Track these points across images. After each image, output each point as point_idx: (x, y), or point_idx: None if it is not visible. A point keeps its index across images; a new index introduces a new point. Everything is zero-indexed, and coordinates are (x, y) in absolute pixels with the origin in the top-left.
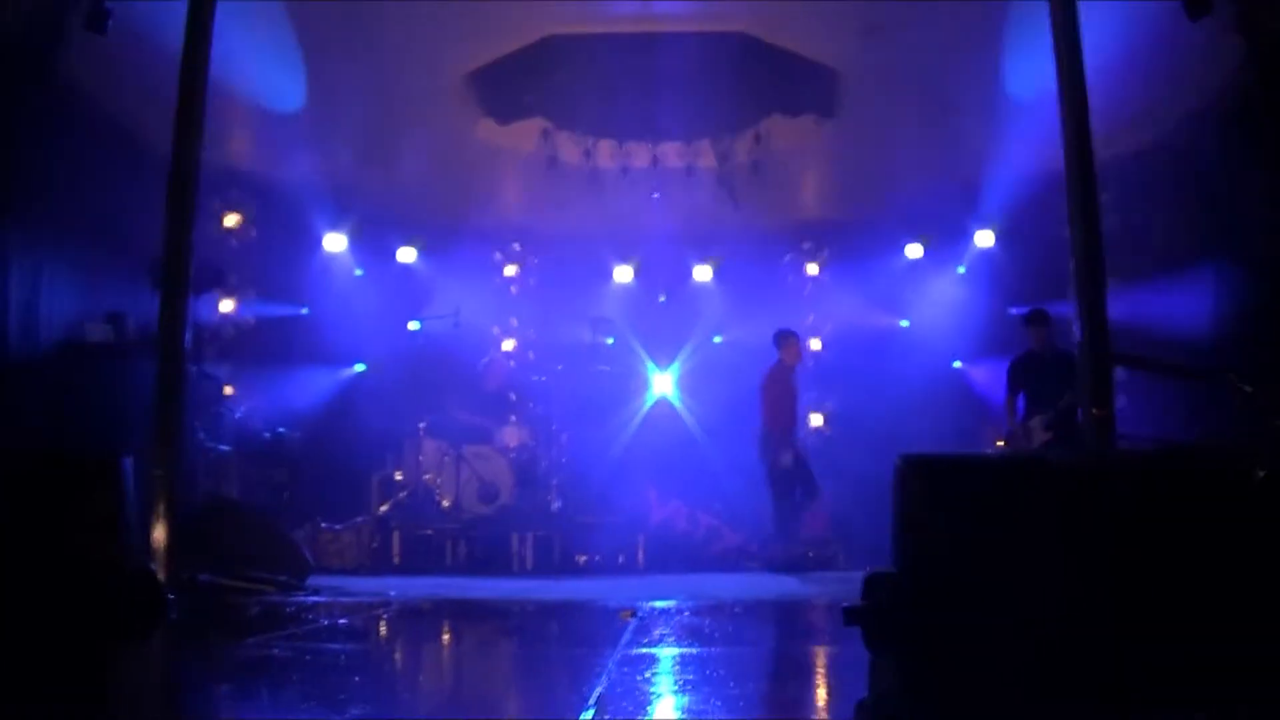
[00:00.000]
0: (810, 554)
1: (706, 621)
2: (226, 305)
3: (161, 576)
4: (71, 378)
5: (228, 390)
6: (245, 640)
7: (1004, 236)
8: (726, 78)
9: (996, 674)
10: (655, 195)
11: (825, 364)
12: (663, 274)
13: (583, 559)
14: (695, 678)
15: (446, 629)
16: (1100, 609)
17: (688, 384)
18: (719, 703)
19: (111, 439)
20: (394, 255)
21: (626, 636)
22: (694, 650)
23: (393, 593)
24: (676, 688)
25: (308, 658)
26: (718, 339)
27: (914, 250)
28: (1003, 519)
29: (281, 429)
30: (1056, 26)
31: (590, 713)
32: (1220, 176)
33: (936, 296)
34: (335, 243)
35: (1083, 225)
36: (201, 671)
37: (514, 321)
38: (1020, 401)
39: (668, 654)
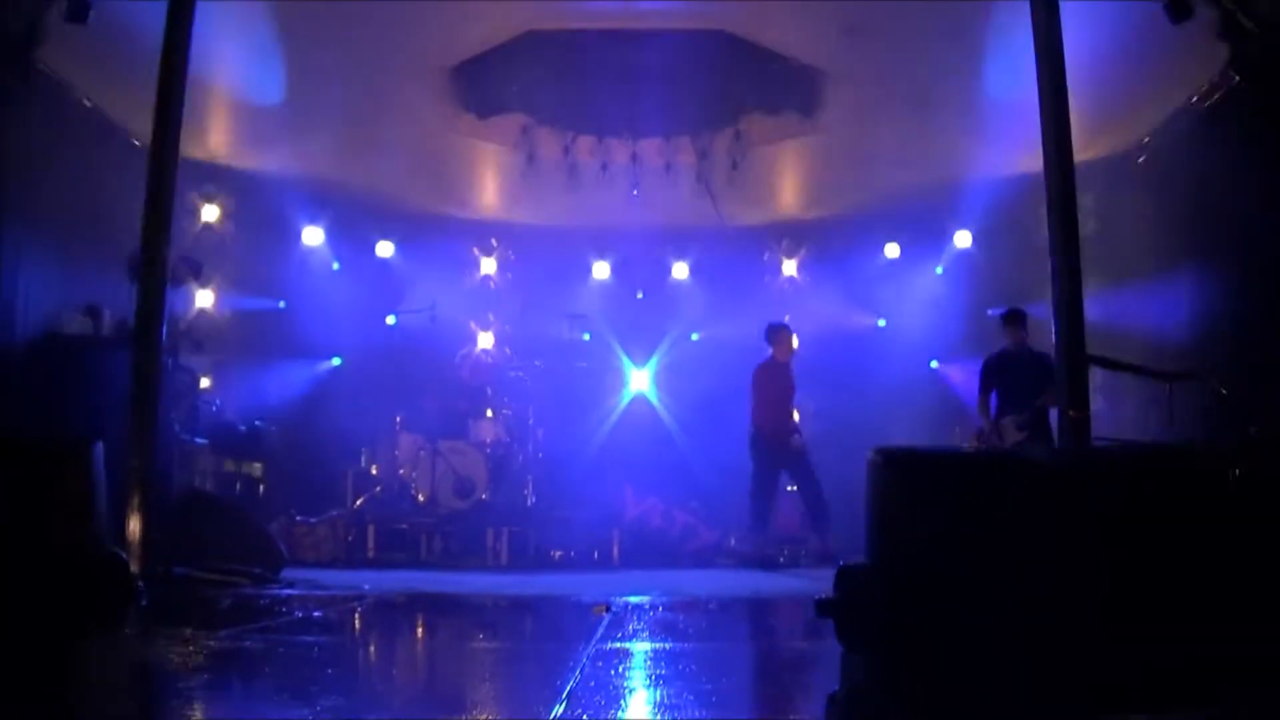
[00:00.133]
0: (785, 551)
1: (680, 617)
2: (204, 298)
3: (136, 568)
4: (49, 369)
5: (204, 383)
6: (219, 632)
7: (982, 237)
8: (707, 75)
9: (967, 667)
10: (634, 192)
11: (802, 363)
12: (641, 271)
13: (557, 554)
14: (668, 672)
15: (420, 623)
16: (1072, 605)
17: (665, 381)
18: (691, 697)
19: (88, 430)
20: (372, 249)
21: (600, 631)
22: (667, 645)
23: (367, 586)
24: (649, 682)
25: (281, 650)
26: (695, 336)
27: (892, 250)
28: (975, 513)
29: (257, 422)
30: (1037, 27)
31: (561, 707)
32: (1199, 179)
33: (914, 296)
34: (313, 236)
35: (1061, 226)
36: (174, 663)
37: (491, 317)
38: (993, 400)
39: (641, 649)
